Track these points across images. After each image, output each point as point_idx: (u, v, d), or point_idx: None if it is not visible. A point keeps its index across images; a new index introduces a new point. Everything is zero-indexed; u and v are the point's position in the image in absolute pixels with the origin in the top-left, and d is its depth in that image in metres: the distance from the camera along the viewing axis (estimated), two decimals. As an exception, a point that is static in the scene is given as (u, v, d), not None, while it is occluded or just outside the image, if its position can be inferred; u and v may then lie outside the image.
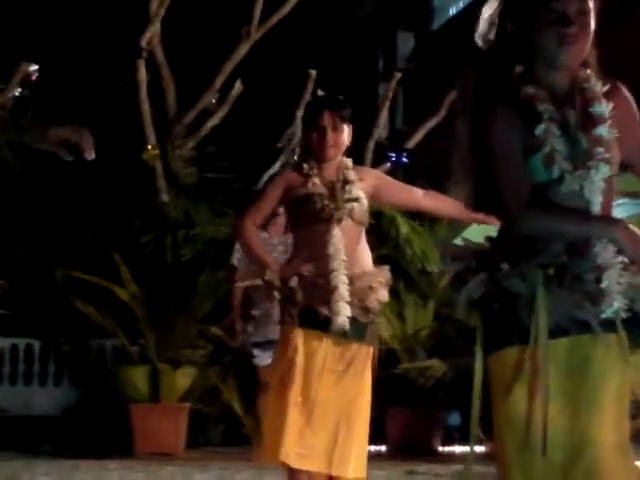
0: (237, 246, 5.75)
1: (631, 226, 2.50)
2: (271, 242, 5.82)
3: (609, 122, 2.52)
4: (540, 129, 2.48)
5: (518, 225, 2.50)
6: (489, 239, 2.60)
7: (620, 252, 2.47)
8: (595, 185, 2.48)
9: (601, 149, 2.49)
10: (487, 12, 2.64)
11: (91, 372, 8.68)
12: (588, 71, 2.57)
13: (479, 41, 2.63)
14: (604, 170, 2.49)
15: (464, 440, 7.87)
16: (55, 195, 9.04)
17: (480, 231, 2.98)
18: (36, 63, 5.87)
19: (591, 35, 2.53)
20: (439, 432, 7.98)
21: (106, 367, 8.83)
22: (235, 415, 7.44)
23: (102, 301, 7.47)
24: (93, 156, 3.13)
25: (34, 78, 5.66)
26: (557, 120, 2.51)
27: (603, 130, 2.51)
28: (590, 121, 2.52)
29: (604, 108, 2.53)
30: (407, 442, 7.74)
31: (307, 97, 6.83)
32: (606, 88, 2.56)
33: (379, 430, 7.72)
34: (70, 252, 7.91)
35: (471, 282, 2.51)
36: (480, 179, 2.59)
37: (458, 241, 2.71)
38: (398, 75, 9.11)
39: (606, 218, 2.53)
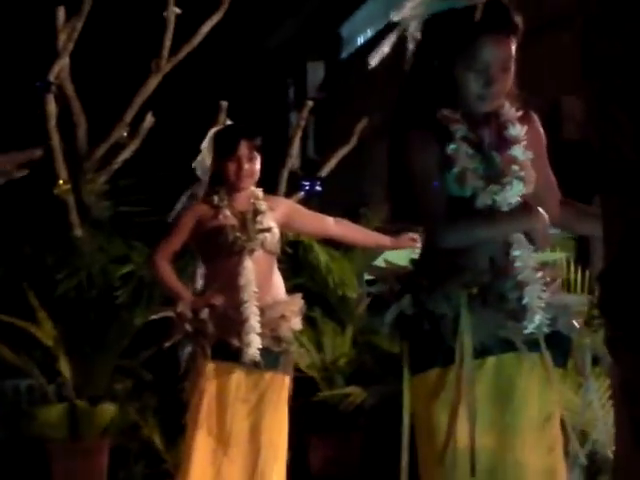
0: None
1: (540, 210, 2.53)
2: None
3: (524, 144, 2.58)
4: (451, 149, 2.54)
5: (441, 240, 2.53)
6: (413, 261, 2.63)
7: (540, 269, 2.52)
8: (508, 200, 2.53)
9: (516, 167, 2.55)
10: (388, 44, 2.66)
11: (6, 414, 8.49)
12: (502, 98, 2.63)
13: (373, 62, 2.66)
14: (519, 187, 2.55)
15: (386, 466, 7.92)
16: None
17: (402, 254, 3.01)
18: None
19: (511, 78, 2.58)
20: (361, 458, 8.01)
21: (21, 408, 8.65)
22: (156, 451, 7.36)
23: (16, 339, 7.34)
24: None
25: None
26: (471, 139, 2.57)
27: (517, 151, 2.58)
28: (504, 142, 2.59)
29: (518, 131, 2.60)
30: (330, 469, 7.75)
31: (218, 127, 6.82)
32: (520, 114, 2.63)
33: (301, 458, 7.71)
34: (-19, 291, 7.76)
35: (396, 304, 2.53)
36: (399, 200, 2.63)
37: (381, 263, 2.73)
38: (309, 104, 9.16)
39: (518, 209, 2.55)
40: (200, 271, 4.38)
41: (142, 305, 7.22)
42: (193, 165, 4.51)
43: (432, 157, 2.55)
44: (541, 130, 2.70)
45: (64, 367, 7.29)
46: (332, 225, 4.39)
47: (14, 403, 8.93)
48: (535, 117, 2.70)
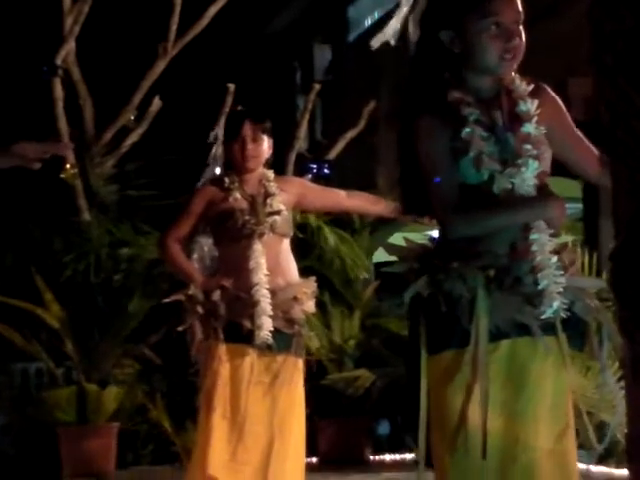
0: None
1: (558, 196, 2.51)
2: None
3: (535, 119, 2.55)
4: (465, 132, 2.51)
5: (450, 231, 2.51)
6: (433, 239, 2.60)
7: (556, 253, 2.49)
8: (526, 182, 2.50)
9: (529, 146, 2.52)
10: (401, 13, 2.63)
11: (15, 397, 8.52)
12: (513, 73, 2.59)
13: (392, 40, 2.63)
14: (534, 166, 2.51)
15: (393, 449, 7.92)
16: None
17: (420, 233, 2.97)
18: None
19: (524, 40, 2.55)
20: (369, 441, 8.01)
21: (30, 391, 8.68)
22: (164, 433, 7.38)
23: (25, 323, 7.36)
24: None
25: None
26: (483, 122, 2.53)
27: (530, 127, 2.54)
28: (517, 120, 2.55)
29: (529, 106, 2.56)
30: (337, 452, 7.75)
31: (226, 111, 6.83)
32: (531, 88, 2.59)
33: (309, 441, 7.71)
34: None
35: (414, 284, 2.50)
36: (409, 187, 2.61)
37: (399, 241, 2.69)
38: (317, 87, 9.14)
39: (535, 198, 2.52)
40: (195, 255, 4.33)
41: (149, 288, 7.23)
42: (208, 162, 4.51)
43: (442, 144, 2.52)
44: (556, 98, 2.65)
45: (72, 350, 7.30)
46: (345, 198, 4.35)
47: (23, 386, 8.95)
48: (546, 87, 2.64)
